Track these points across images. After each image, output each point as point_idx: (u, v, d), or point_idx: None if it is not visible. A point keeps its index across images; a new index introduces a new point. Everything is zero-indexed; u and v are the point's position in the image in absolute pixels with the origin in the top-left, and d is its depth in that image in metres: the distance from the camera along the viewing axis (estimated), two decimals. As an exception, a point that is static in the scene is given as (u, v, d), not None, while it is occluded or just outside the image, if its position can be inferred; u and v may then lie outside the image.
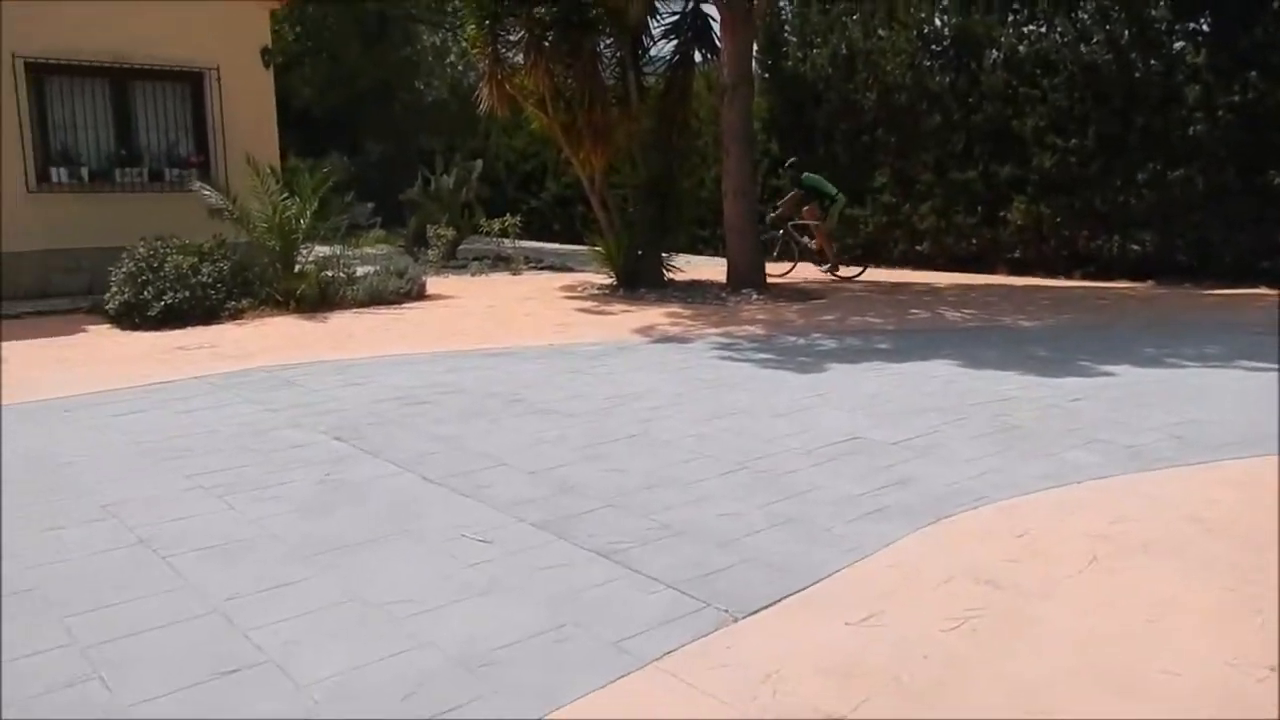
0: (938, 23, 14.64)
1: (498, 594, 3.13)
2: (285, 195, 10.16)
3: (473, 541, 3.57)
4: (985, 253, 14.12)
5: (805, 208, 13.30)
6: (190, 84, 11.39)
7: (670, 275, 12.37)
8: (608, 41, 11.93)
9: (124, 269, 9.23)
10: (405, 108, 20.73)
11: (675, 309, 10.23)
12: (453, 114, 20.68)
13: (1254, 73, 11.52)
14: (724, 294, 11.25)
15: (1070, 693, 2.51)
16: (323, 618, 2.95)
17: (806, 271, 13.40)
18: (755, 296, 11.04)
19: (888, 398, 5.91)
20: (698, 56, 12.57)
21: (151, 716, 2.42)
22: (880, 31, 14.92)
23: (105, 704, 2.48)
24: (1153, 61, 12.49)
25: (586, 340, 8.22)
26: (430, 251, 15.25)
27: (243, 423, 5.37)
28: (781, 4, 16.02)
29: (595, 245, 12.81)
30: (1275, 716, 2.42)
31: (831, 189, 13.09)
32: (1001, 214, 13.71)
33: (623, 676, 2.61)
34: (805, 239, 13.52)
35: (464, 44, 15.32)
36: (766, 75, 16.25)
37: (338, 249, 10.84)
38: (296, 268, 10.20)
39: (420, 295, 11.00)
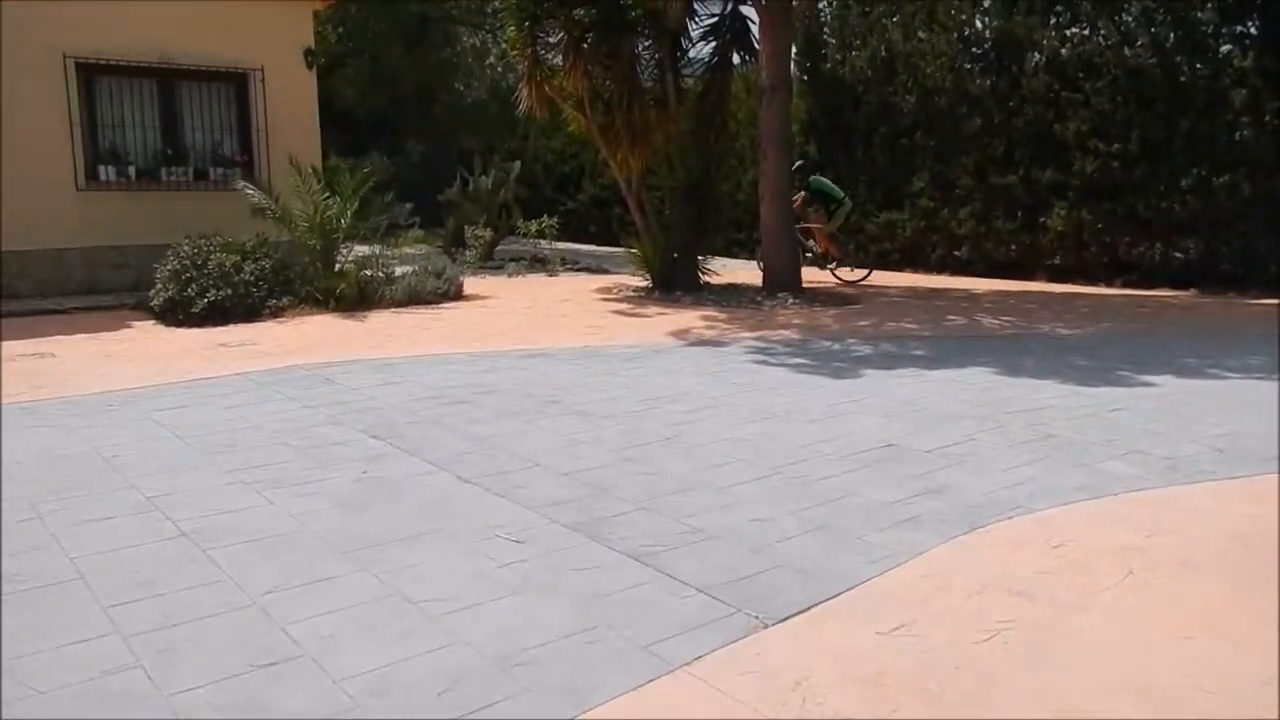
0: (979, 25, 14.48)
1: (531, 594, 3.16)
2: (326, 195, 10.31)
3: (507, 541, 3.61)
4: (1025, 259, 13.96)
5: (811, 210, 13.26)
6: (235, 84, 11.59)
7: (706, 278, 12.38)
8: (646, 43, 11.95)
9: (169, 266, 9.42)
10: (445, 108, 20.89)
11: (710, 312, 10.24)
12: (492, 115, 20.83)
13: (1304, 77, 11.31)
14: (759, 297, 11.23)
15: (1103, 707, 2.49)
16: (359, 613, 3.00)
17: (809, 274, 13.33)
18: (791, 301, 11.01)
19: (923, 404, 5.87)
20: (736, 59, 12.55)
21: (190, 705, 2.48)
22: (920, 34, 14.80)
23: (146, 692, 2.54)
24: (1199, 65, 12.28)
25: (622, 342, 8.26)
26: (468, 252, 15.38)
27: (283, 419, 5.46)
28: (821, 6, 15.94)
29: (631, 247, 12.85)
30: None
31: (839, 193, 13.03)
32: (1042, 219, 13.55)
33: (653, 680, 2.63)
34: (810, 242, 13.50)
35: (503, 45, 15.42)
36: (805, 77, 16.19)
37: (377, 249, 10.97)
38: (336, 267, 10.35)
39: (458, 295, 11.11)
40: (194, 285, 9.19)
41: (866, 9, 15.49)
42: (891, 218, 15.20)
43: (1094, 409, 5.74)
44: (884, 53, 15.20)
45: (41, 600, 3.09)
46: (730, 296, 11.34)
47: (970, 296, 11.94)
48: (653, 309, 10.54)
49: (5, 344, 7.77)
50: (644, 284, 12.20)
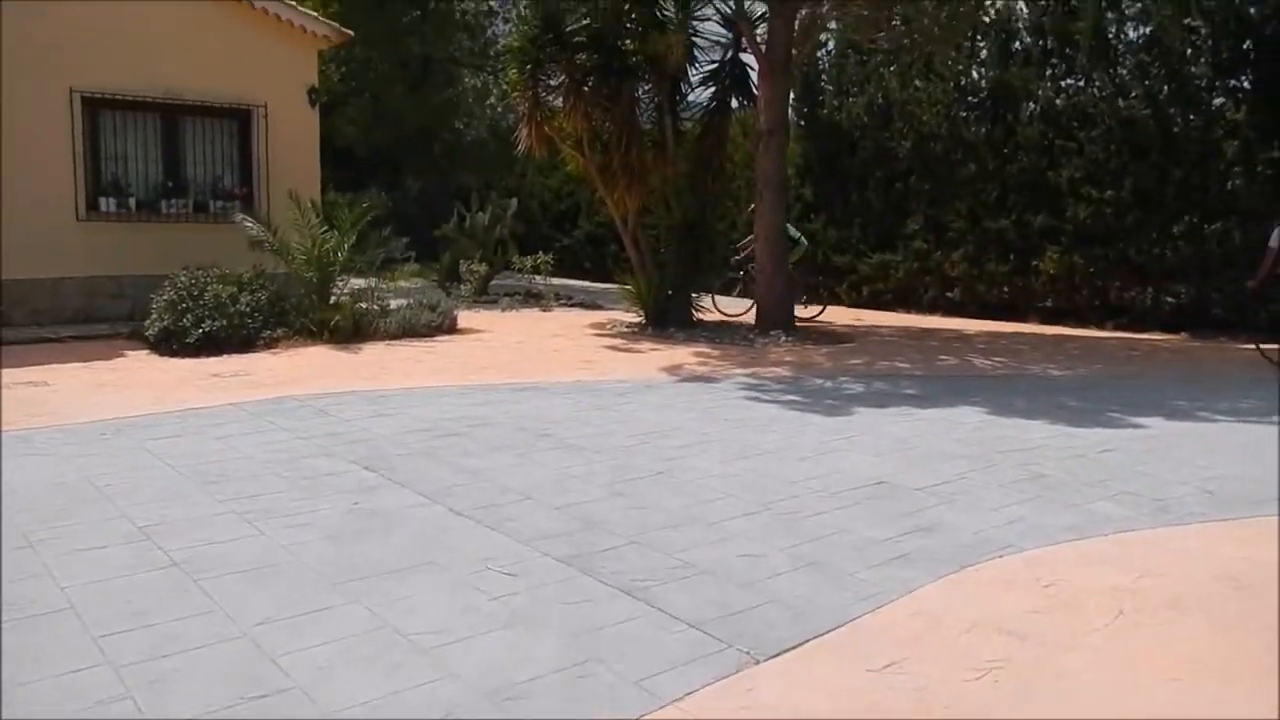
0: (975, 75, 14.74)
1: (522, 627, 3.16)
2: (325, 229, 10.37)
3: (498, 574, 3.61)
4: (1016, 301, 14.08)
5: None
6: (238, 120, 11.70)
7: (699, 315, 12.45)
8: (646, 87, 12.12)
9: (165, 296, 9.44)
10: (445, 147, 21.07)
11: (703, 349, 10.28)
12: (490, 153, 21.00)
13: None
14: (752, 335, 11.29)
15: (1092, 746, 2.49)
16: (350, 645, 3.00)
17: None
18: (783, 339, 11.08)
19: (914, 443, 5.90)
20: (734, 103, 12.72)
21: (180, 736, 2.47)
22: (917, 82, 15.05)
23: (136, 722, 2.53)
24: (1192, 117, 12.51)
25: (614, 377, 8.28)
26: (463, 286, 15.44)
27: (276, 450, 5.46)
28: (819, 55, 16.20)
29: (626, 284, 12.92)
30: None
31: (794, 233, 13.21)
32: (1034, 263, 13.69)
33: (643, 715, 2.62)
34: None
35: (505, 87, 15.60)
36: (802, 122, 16.42)
37: (373, 282, 11.02)
38: (332, 299, 10.38)
39: (452, 329, 11.14)
40: (189, 315, 9.21)
41: (864, 58, 15.75)
42: (885, 259, 15.33)
43: (1084, 450, 5.77)
44: (881, 100, 15.44)
45: (32, 630, 3.08)
46: (723, 333, 11.40)
47: (962, 337, 12.01)
48: (646, 345, 10.58)
49: (2, 372, 7.77)
50: (637, 320, 12.25)
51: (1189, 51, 12.61)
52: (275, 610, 3.24)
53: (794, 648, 3.05)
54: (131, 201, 11.10)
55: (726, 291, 13.82)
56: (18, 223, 10.14)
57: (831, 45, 16.37)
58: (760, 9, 11.98)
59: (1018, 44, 14.18)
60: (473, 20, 21.59)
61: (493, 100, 22.02)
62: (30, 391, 7.14)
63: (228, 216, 11.03)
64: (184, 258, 10.10)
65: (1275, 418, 6.91)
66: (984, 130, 14.27)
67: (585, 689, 2.75)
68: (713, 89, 12.50)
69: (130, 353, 9.18)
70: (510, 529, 4.14)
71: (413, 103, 19.71)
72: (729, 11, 12.18)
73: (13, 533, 3.97)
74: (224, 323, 9.28)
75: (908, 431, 6.25)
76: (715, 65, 12.48)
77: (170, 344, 9.14)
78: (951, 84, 14.67)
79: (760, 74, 11.72)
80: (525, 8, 13.37)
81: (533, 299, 14.90)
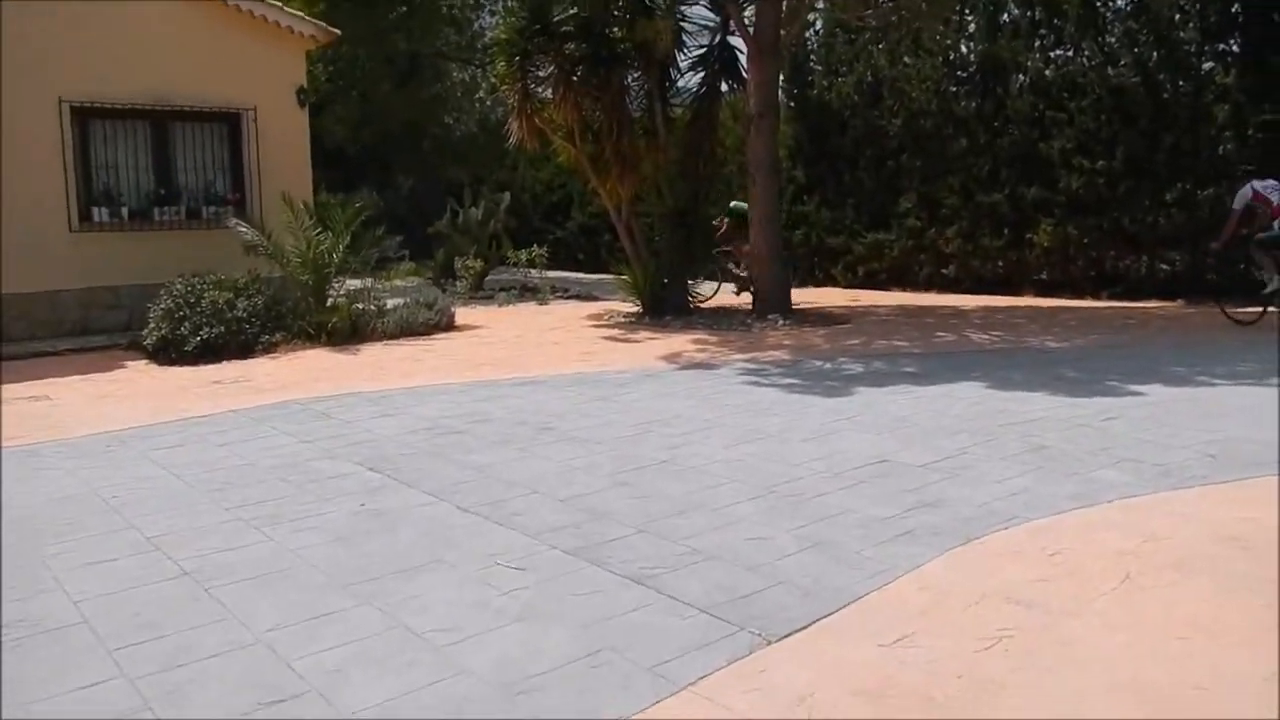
0: (964, 49, 14.70)
1: (533, 620, 3.18)
2: (318, 231, 10.37)
3: (507, 569, 3.63)
4: (1012, 275, 14.07)
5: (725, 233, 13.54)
6: (228, 124, 11.67)
7: (695, 302, 12.46)
8: (635, 75, 12.09)
9: (162, 305, 9.44)
10: (435, 143, 21.01)
11: (701, 335, 10.29)
12: (481, 147, 20.94)
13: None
14: (749, 320, 11.30)
15: (1104, 710, 2.52)
16: (363, 647, 3.02)
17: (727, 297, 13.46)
18: (781, 322, 11.08)
19: (915, 420, 5.92)
20: (724, 87, 12.69)
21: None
22: (906, 59, 15.00)
23: (155, 729, 2.55)
24: (1181, 83, 12.48)
25: (614, 368, 8.30)
26: (458, 283, 15.44)
27: (279, 455, 5.48)
28: (808, 35, 16.16)
29: (621, 274, 12.92)
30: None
31: (745, 208, 13.24)
32: (1028, 236, 13.68)
33: (658, 701, 2.65)
34: (730, 264, 13.77)
35: (493, 80, 15.55)
36: (792, 104, 16.37)
37: (368, 282, 11.02)
38: (328, 301, 10.38)
39: (449, 326, 11.15)
40: (187, 324, 9.22)
41: (852, 37, 15.71)
42: (879, 238, 15.32)
43: (1085, 419, 5.79)
44: (870, 78, 15.40)
45: (47, 645, 3.10)
46: (720, 319, 11.41)
47: (958, 313, 12.02)
48: (643, 334, 10.59)
49: (2, 387, 7.77)
50: (634, 309, 12.25)
51: (1177, 17, 12.56)
52: (287, 615, 3.26)
53: (804, 627, 3.07)
54: (124, 211, 11.08)
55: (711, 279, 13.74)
56: (10, 236, 10.13)
57: (819, 25, 16.33)
58: (748, -9, 11.98)
59: (1006, 16, 14.12)
60: (459, 14, 21.49)
61: (481, 94, 21.94)
62: (32, 406, 7.15)
63: (221, 222, 11.02)
64: (179, 265, 10.10)
65: (1274, 380, 6.93)
66: (974, 104, 14.24)
67: (599, 678, 2.77)
68: (702, 74, 12.47)
69: (130, 363, 9.20)
70: (517, 523, 4.15)
71: (401, 99, 19.64)
72: (717, -6, 12.17)
73: (24, 548, 3.99)
74: (222, 329, 9.29)
75: (908, 409, 6.27)
76: (704, 50, 12.45)
77: (169, 353, 9.16)
78: (940, 59, 14.63)
79: (749, 57, 11.68)
80: (512, -1, 13.33)
81: (529, 293, 14.90)
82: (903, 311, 12.34)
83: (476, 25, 21.99)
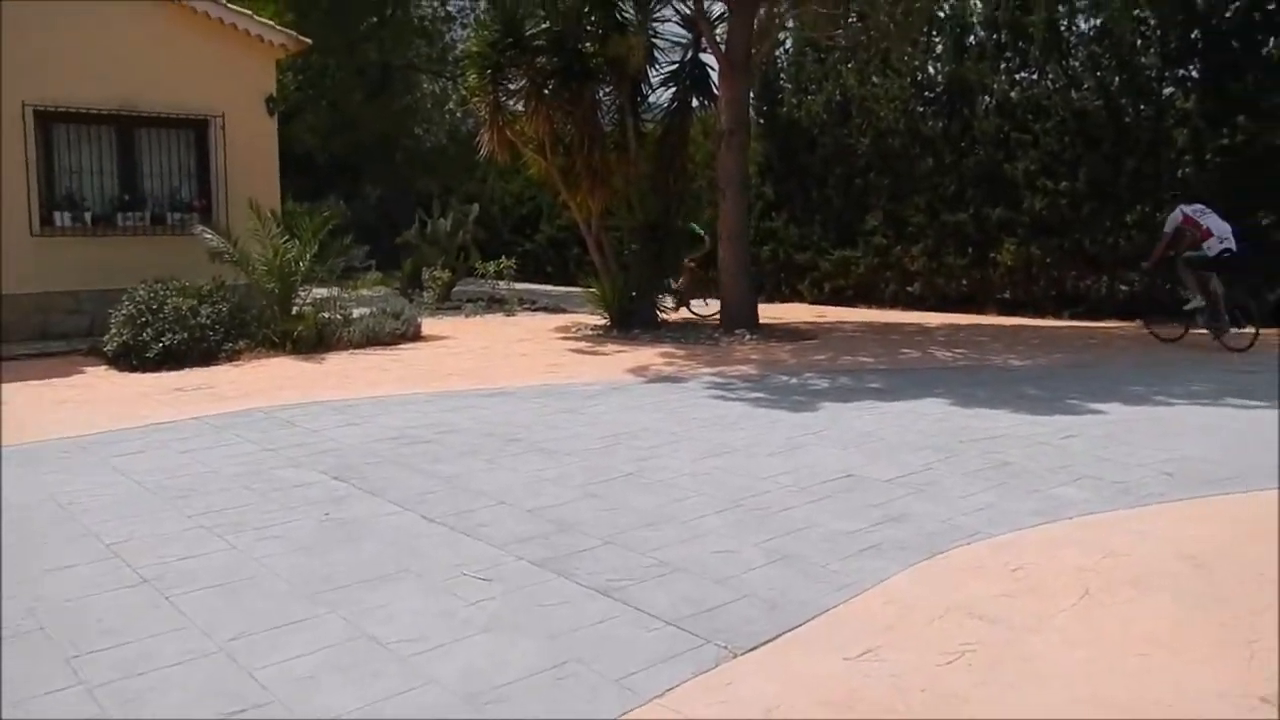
0: (931, 70, 14.95)
1: (500, 631, 3.17)
2: (285, 238, 10.28)
3: (474, 579, 3.62)
4: (975, 293, 14.29)
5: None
6: (195, 130, 11.55)
7: (664, 316, 12.50)
8: (607, 89, 12.15)
9: (124, 311, 9.31)
10: (405, 153, 20.98)
11: (669, 349, 10.32)
12: (451, 159, 20.94)
13: (1242, 117, 11.76)
14: (717, 334, 11.36)
15: (1063, 725, 2.55)
16: (328, 656, 2.99)
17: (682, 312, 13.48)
18: (748, 337, 11.15)
19: (880, 435, 5.97)
20: (695, 103, 12.79)
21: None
22: (875, 79, 15.23)
23: (113, 740, 2.51)
24: (1143, 107, 12.78)
25: (582, 380, 8.29)
26: (426, 293, 15.37)
27: (243, 463, 5.41)
28: (778, 53, 16.33)
29: (589, 286, 12.94)
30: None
31: (700, 232, 13.44)
32: (992, 255, 13.91)
33: (625, 713, 2.65)
34: (669, 279, 13.57)
35: (464, 92, 15.55)
36: (762, 121, 16.54)
37: (335, 291, 10.94)
38: (294, 309, 10.29)
39: (416, 336, 11.09)
40: (149, 330, 9.09)
41: (822, 56, 15.91)
42: (846, 255, 15.50)
43: (1046, 437, 5.88)
44: (839, 97, 15.61)
45: (2, 654, 3.03)
46: (688, 333, 11.45)
47: (923, 330, 12.16)
48: (611, 347, 10.60)
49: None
50: (602, 322, 12.26)
51: (1139, 42, 12.88)
52: (250, 624, 3.22)
53: (771, 640, 3.08)
54: (87, 215, 10.92)
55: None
56: (-31, 240, 9.96)
57: (790, 43, 16.53)
58: (719, 9, 12.08)
59: (972, 38, 14.42)
60: (430, 26, 21.51)
61: (452, 105, 21.96)
62: (-12, 411, 7.01)
63: (186, 228, 10.90)
64: (142, 271, 9.96)
65: (1228, 400, 7.08)
66: (941, 125, 14.48)
67: (565, 689, 2.77)
68: (673, 90, 12.56)
69: (89, 369, 9.05)
70: (484, 534, 4.14)
71: (371, 110, 19.61)
72: (688, 12, 12.26)
73: (-23, 555, 3.91)
74: (184, 336, 9.17)
75: (873, 424, 6.33)
76: (676, 66, 12.55)
77: (130, 359, 9.02)
78: (908, 79, 14.87)
79: (720, 73, 11.79)
80: (484, 12, 13.35)
81: (496, 304, 14.87)
82: (868, 328, 12.46)
83: (448, 38, 22.04)
